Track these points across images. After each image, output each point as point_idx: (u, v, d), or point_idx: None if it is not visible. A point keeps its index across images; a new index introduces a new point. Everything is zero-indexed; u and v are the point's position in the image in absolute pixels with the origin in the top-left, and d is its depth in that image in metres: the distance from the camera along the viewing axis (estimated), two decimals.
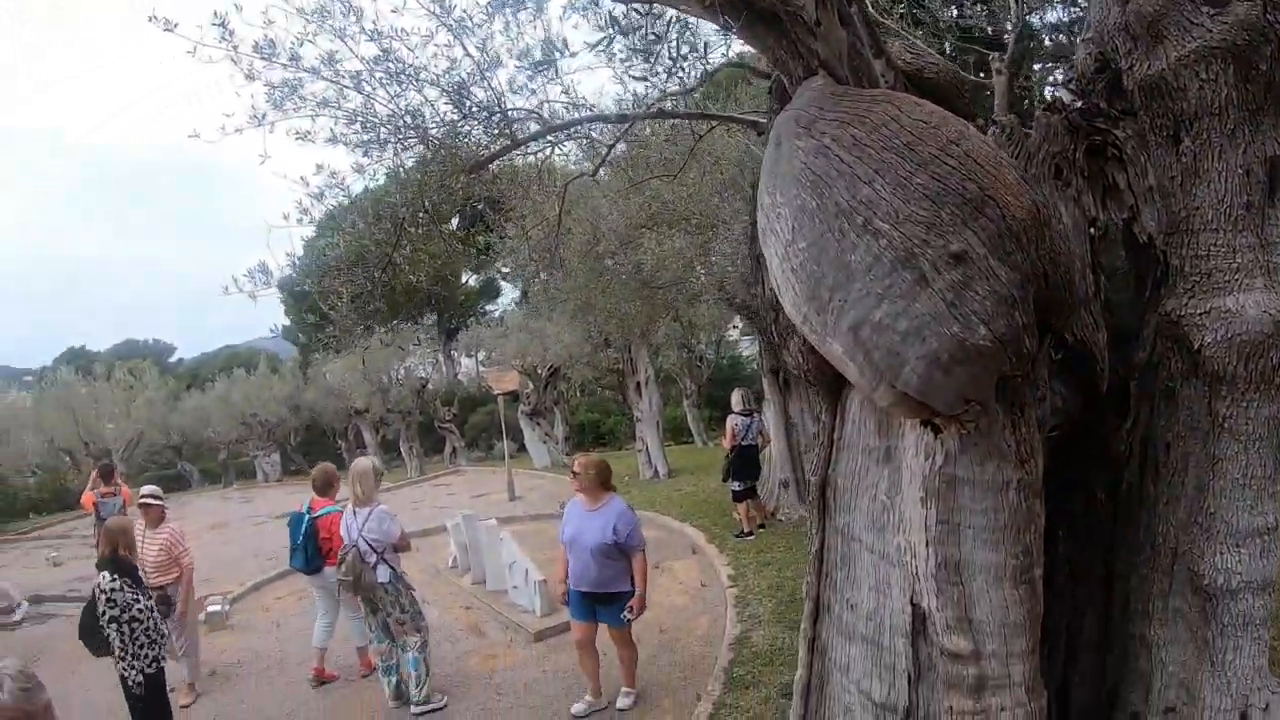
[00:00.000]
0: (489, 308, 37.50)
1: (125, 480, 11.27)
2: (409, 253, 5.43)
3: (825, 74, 2.69)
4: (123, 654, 5.01)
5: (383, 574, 5.64)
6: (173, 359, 49.68)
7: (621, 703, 5.45)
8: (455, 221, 38.99)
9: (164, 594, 6.08)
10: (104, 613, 4.93)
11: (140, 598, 5.10)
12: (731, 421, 9.43)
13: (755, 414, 9.63)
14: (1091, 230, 2.99)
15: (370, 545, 5.60)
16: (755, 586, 7.50)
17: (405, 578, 5.83)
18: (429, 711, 5.67)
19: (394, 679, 5.82)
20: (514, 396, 18.65)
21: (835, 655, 3.12)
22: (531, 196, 8.61)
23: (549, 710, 5.61)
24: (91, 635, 5.02)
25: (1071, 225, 2.92)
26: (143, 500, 6.47)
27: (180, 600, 6.29)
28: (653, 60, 5.44)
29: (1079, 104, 3.05)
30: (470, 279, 40.53)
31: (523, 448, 20.88)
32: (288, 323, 39.16)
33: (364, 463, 5.95)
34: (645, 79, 5.65)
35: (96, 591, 4.99)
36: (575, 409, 27.20)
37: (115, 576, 5.00)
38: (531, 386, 19.57)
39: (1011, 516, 2.52)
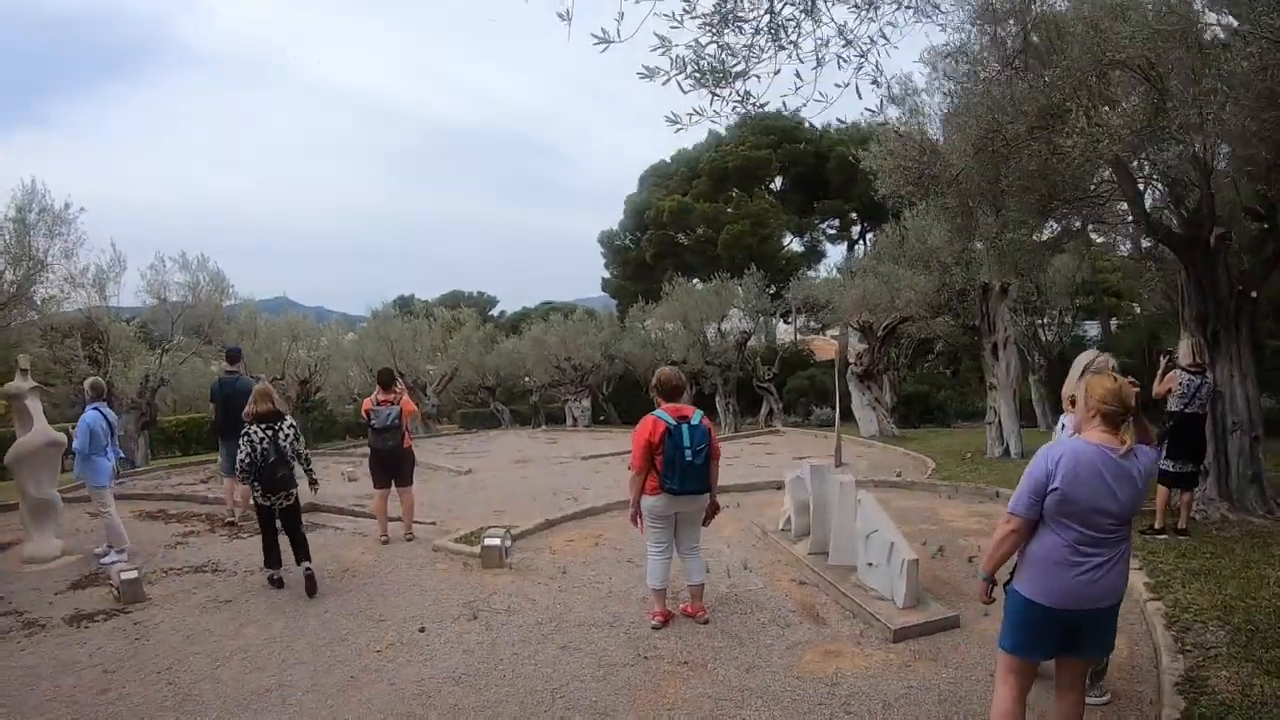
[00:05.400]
0: (810, 273, 35.57)
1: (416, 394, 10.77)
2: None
3: None
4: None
5: None
6: (494, 310, 53.04)
7: None
8: (779, 180, 38.20)
9: None
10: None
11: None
12: (1174, 379, 7.00)
13: (1207, 372, 7.09)
14: None
15: None
16: (1191, 604, 5.33)
17: None
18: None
19: None
20: (831, 365, 16.86)
21: None
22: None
23: None
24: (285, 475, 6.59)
25: None
26: None
27: None
28: None
29: None
30: (793, 241, 39.10)
31: (846, 413, 18.95)
32: (607, 275, 40.37)
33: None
34: None
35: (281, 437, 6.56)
36: (903, 378, 24.81)
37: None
38: (864, 345, 17.59)
39: None
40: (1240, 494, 7.59)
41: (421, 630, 5.59)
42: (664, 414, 5.40)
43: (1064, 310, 20.80)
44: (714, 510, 5.70)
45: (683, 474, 5.29)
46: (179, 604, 6.43)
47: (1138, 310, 24.28)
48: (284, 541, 6.79)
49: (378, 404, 8.16)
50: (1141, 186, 8.02)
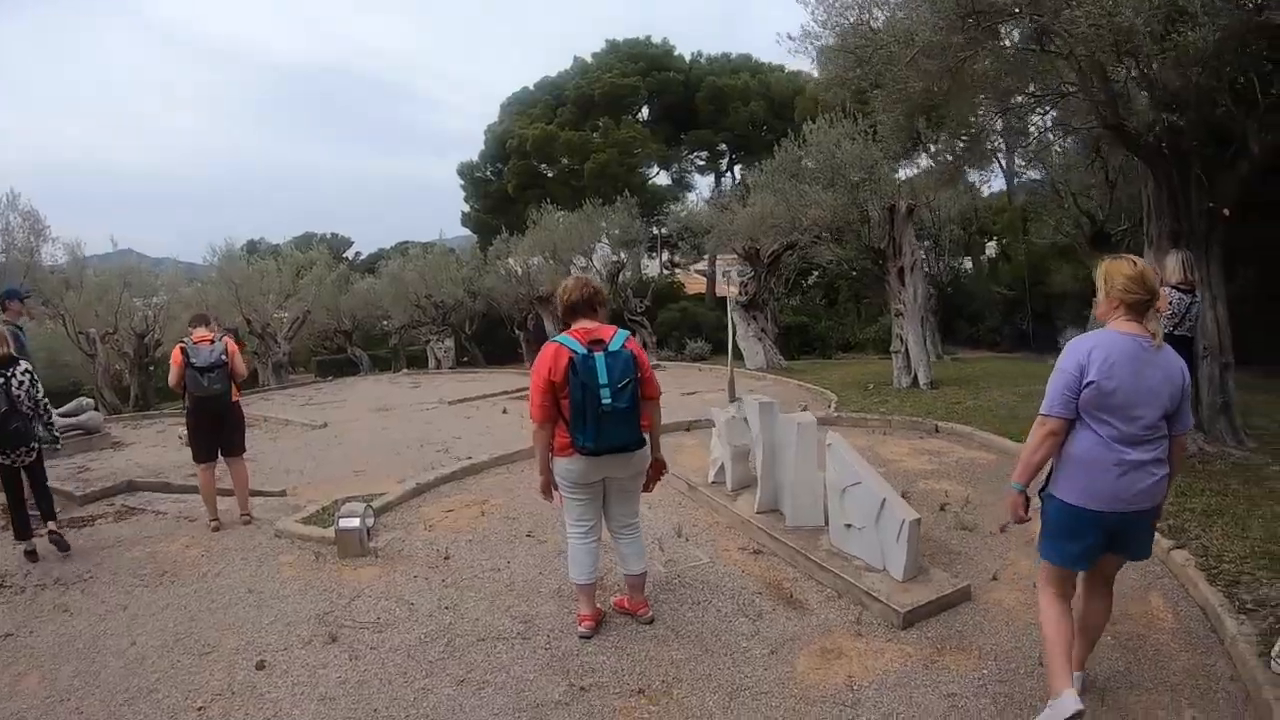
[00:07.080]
0: (674, 207, 34.42)
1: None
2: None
3: None
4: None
5: None
6: (349, 252, 49.78)
7: None
8: (646, 110, 36.69)
9: None
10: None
11: None
12: (1164, 297, 6.07)
13: (1197, 290, 6.23)
14: None
15: None
16: (1224, 551, 4.52)
17: None
18: None
19: None
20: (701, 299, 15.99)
21: None
22: None
23: None
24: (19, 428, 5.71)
25: None
26: None
27: None
28: None
29: None
30: (659, 174, 37.73)
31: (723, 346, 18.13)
32: (467, 209, 37.98)
33: None
34: None
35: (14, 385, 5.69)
36: (782, 309, 24.23)
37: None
38: (751, 273, 16.57)
39: None
40: (1211, 424, 6.97)
41: (260, 666, 3.93)
42: (569, 339, 3.87)
43: (950, 238, 20.65)
44: (658, 471, 4.23)
45: (599, 424, 3.74)
46: None
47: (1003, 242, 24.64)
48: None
49: (195, 344, 6.29)
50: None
